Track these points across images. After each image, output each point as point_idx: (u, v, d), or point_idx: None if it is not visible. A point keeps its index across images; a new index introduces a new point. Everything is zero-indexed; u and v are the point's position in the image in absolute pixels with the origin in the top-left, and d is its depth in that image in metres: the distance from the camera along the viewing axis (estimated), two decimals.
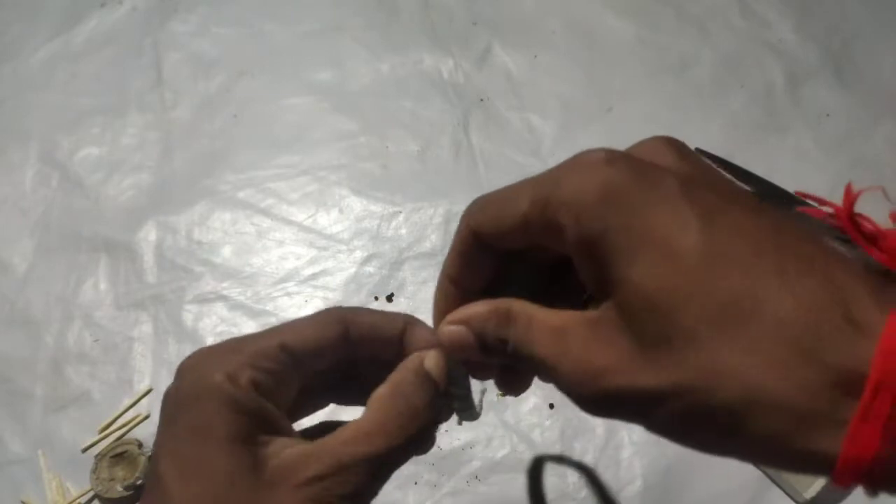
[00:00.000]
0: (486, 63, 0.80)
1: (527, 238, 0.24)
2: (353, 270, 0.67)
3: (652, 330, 0.19)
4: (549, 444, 0.59)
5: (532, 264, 0.27)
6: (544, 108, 0.77)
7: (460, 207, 0.70)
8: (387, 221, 0.70)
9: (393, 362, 0.27)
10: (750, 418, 0.18)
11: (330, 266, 0.68)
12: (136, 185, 0.72)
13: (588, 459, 0.59)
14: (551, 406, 0.61)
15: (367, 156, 0.74)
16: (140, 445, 0.58)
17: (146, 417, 0.60)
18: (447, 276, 0.27)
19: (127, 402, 0.61)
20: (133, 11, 0.83)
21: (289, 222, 0.70)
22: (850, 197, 0.20)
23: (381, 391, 0.26)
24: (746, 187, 0.71)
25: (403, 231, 0.69)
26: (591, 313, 0.22)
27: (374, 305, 0.65)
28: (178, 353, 0.63)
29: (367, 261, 0.68)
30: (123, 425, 0.60)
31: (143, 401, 0.61)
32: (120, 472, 0.57)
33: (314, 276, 0.67)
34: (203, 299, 0.66)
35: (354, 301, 0.65)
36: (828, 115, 0.77)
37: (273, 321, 0.64)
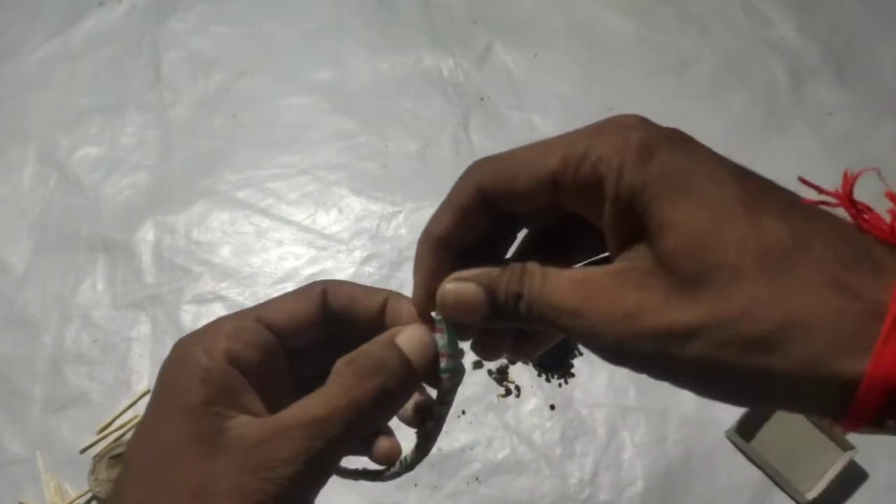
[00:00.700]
0: (486, 62, 0.80)
1: (547, 198, 0.24)
2: (352, 270, 0.67)
3: (692, 268, 0.20)
4: (550, 445, 0.59)
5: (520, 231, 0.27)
6: (545, 108, 0.77)
7: None
8: (386, 221, 0.70)
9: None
10: (789, 342, 0.19)
11: (329, 266, 0.68)
12: (135, 185, 0.72)
13: (589, 461, 0.59)
14: (552, 407, 0.61)
15: (367, 155, 0.74)
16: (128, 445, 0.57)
17: None
18: (436, 237, 0.26)
19: (125, 402, 0.61)
20: (132, 10, 0.83)
21: (288, 222, 0.70)
22: (849, 180, 0.22)
23: (340, 361, 0.25)
24: None
25: (403, 231, 0.69)
26: (614, 265, 0.23)
27: None
28: None
29: (366, 261, 0.68)
30: (122, 426, 0.59)
31: (142, 402, 0.61)
32: (118, 473, 0.57)
33: (313, 276, 0.67)
34: (202, 299, 0.65)
35: None
36: (829, 114, 0.77)
37: None
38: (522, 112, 0.76)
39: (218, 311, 0.65)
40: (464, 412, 0.60)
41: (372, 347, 0.25)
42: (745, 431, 0.59)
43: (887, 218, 0.20)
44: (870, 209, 0.21)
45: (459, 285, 0.25)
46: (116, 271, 0.67)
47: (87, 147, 0.74)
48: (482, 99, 0.77)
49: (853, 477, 0.58)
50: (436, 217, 0.26)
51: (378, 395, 0.24)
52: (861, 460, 0.58)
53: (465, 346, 0.28)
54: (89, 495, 0.57)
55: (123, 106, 0.76)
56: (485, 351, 0.28)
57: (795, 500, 0.58)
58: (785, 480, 0.57)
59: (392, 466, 0.28)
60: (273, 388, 0.26)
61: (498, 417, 0.60)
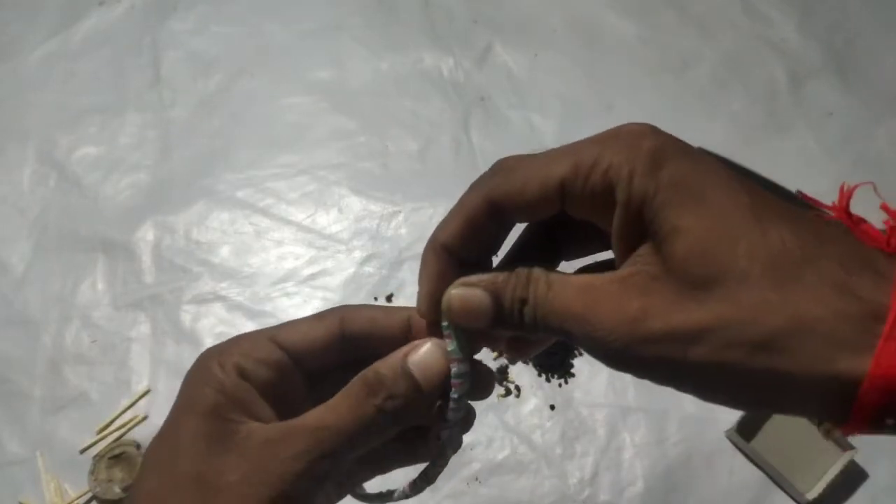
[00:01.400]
0: (486, 62, 0.80)
1: (557, 206, 0.24)
2: (352, 270, 0.67)
3: (701, 272, 0.21)
4: (550, 445, 0.59)
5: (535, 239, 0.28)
6: (545, 107, 0.77)
7: None
8: (386, 221, 0.70)
9: None
10: (794, 344, 0.20)
11: (329, 266, 0.67)
12: (135, 185, 0.72)
13: (589, 461, 0.58)
14: (552, 407, 0.61)
15: (367, 155, 0.74)
16: (138, 447, 0.57)
17: (144, 418, 0.60)
18: (444, 245, 0.26)
19: (125, 402, 0.61)
20: (131, 10, 0.83)
21: (288, 222, 0.70)
22: (846, 194, 0.23)
23: (357, 376, 0.26)
24: None
25: (403, 231, 0.69)
26: (619, 272, 0.23)
27: None
28: (176, 353, 0.63)
29: (366, 261, 0.68)
30: (121, 426, 0.59)
31: (141, 402, 0.61)
32: (118, 474, 0.56)
33: (313, 276, 0.67)
34: (201, 300, 0.65)
35: (353, 301, 0.65)
36: (830, 114, 0.77)
37: (272, 322, 0.64)
38: (522, 112, 0.76)
39: (218, 311, 0.65)
40: None
41: (382, 366, 0.26)
42: (745, 431, 0.59)
43: (882, 228, 0.21)
44: (865, 221, 0.22)
45: (465, 290, 0.25)
46: (116, 271, 0.67)
47: (86, 147, 0.74)
48: (482, 99, 0.77)
49: (853, 477, 0.58)
50: (443, 225, 0.27)
51: (382, 413, 0.25)
52: (861, 460, 0.58)
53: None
54: (89, 495, 0.57)
55: (123, 105, 0.76)
56: (514, 353, 0.29)
57: (795, 500, 0.58)
58: (785, 480, 0.57)
59: (405, 486, 0.29)
60: (289, 405, 0.27)
61: (498, 417, 0.60)
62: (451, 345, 0.26)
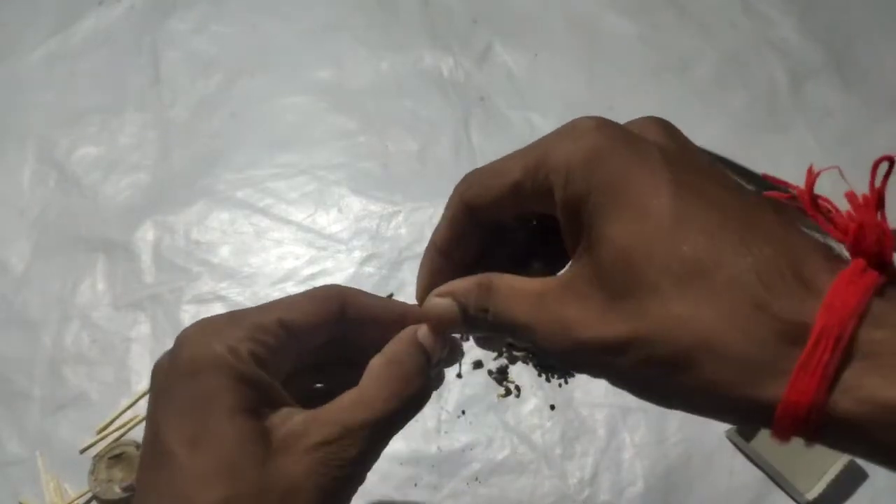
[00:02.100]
0: (486, 61, 0.80)
1: (517, 206, 0.25)
2: (352, 270, 0.67)
3: (620, 283, 0.21)
4: (550, 445, 0.59)
5: (518, 237, 0.29)
6: (545, 107, 0.77)
7: None
8: (386, 221, 0.70)
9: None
10: (698, 365, 0.19)
11: (329, 266, 0.67)
12: (134, 185, 0.72)
13: (589, 461, 0.58)
14: (552, 407, 0.61)
15: (367, 155, 0.74)
16: (138, 447, 0.57)
17: (144, 418, 0.60)
18: (436, 247, 0.29)
19: (125, 402, 0.61)
20: (131, 10, 0.83)
21: (287, 222, 0.70)
22: (811, 178, 0.22)
23: (378, 360, 0.27)
24: (748, 186, 0.71)
25: (403, 231, 0.69)
26: (566, 274, 0.24)
27: None
28: None
29: (366, 261, 0.68)
30: (121, 426, 0.59)
31: (142, 402, 0.61)
32: (118, 474, 0.56)
33: (313, 277, 0.67)
34: (201, 300, 0.65)
35: None
36: (830, 114, 0.77)
37: None
38: (523, 112, 0.76)
39: (218, 310, 0.64)
40: (464, 412, 0.60)
41: (402, 348, 0.27)
42: (745, 431, 0.59)
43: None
44: (833, 207, 0.21)
45: (438, 301, 0.27)
46: (116, 271, 0.67)
47: (86, 147, 0.74)
48: (482, 99, 0.77)
49: (853, 477, 0.58)
50: (436, 229, 0.29)
51: (419, 394, 0.27)
52: (861, 460, 0.58)
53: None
54: (89, 495, 0.57)
55: (123, 105, 0.76)
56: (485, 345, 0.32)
57: (795, 500, 0.58)
58: (785, 480, 0.57)
59: None
60: (278, 376, 0.27)
61: (498, 417, 0.60)
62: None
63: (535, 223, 0.29)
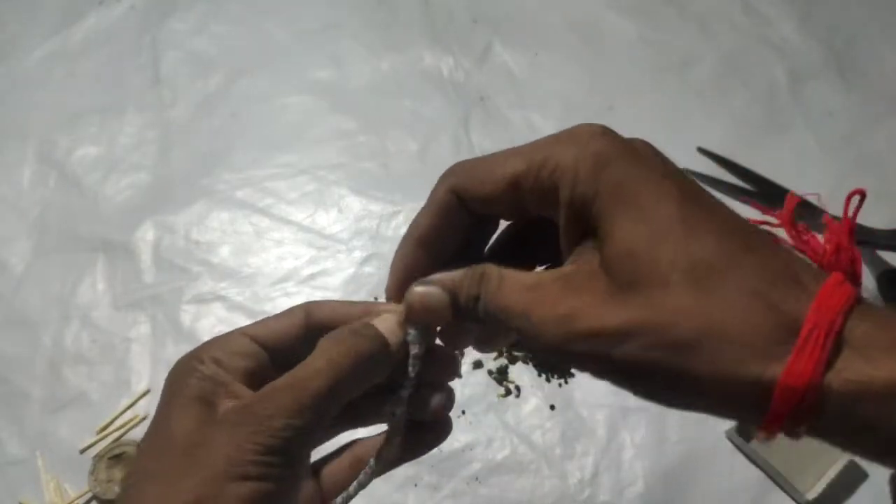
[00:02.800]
0: (486, 61, 0.80)
1: (511, 201, 0.26)
2: (352, 270, 0.67)
3: (627, 277, 0.22)
4: (550, 445, 0.59)
5: (501, 235, 0.30)
6: (545, 107, 0.77)
7: None
8: (386, 221, 0.70)
9: None
10: (705, 349, 0.21)
11: (329, 266, 0.67)
12: (134, 185, 0.72)
13: (589, 461, 0.58)
14: (552, 407, 0.61)
15: (367, 155, 0.74)
16: (138, 446, 0.57)
17: (144, 418, 0.60)
18: (415, 239, 0.29)
19: (125, 402, 0.61)
20: (131, 10, 0.83)
21: (287, 222, 0.70)
22: (790, 203, 0.24)
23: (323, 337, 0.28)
24: (748, 186, 0.71)
25: (403, 231, 0.69)
26: (563, 269, 0.25)
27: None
28: (176, 353, 0.62)
29: (366, 261, 0.68)
30: (121, 426, 0.59)
31: (141, 402, 0.61)
32: (118, 474, 0.56)
33: (313, 277, 0.67)
34: (201, 299, 0.65)
35: (353, 299, 0.65)
36: (830, 114, 0.77)
37: None
38: (523, 111, 0.76)
39: (217, 310, 0.65)
40: (464, 412, 0.60)
41: (355, 325, 0.29)
42: (745, 431, 0.59)
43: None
44: (809, 232, 0.24)
45: (425, 289, 0.28)
46: (116, 271, 0.67)
47: (86, 147, 0.74)
48: (482, 98, 0.77)
49: (853, 477, 0.58)
50: (415, 219, 0.29)
51: (352, 356, 0.27)
52: (861, 460, 0.58)
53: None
54: (89, 495, 0.57)
55: (123, 105, 0.76)
56: (451, 341, 0.31)
57: (795, 500, 0.58)
58: (785, 480, 0.57)
59: (363, 470, 0.30)
60: (244, 377, 0.29)
61: (498, 417, 0.60)
62: (411, 333, 0.29)
63: (517, 223, 0.30)
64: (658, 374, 0.22)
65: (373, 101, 0.77)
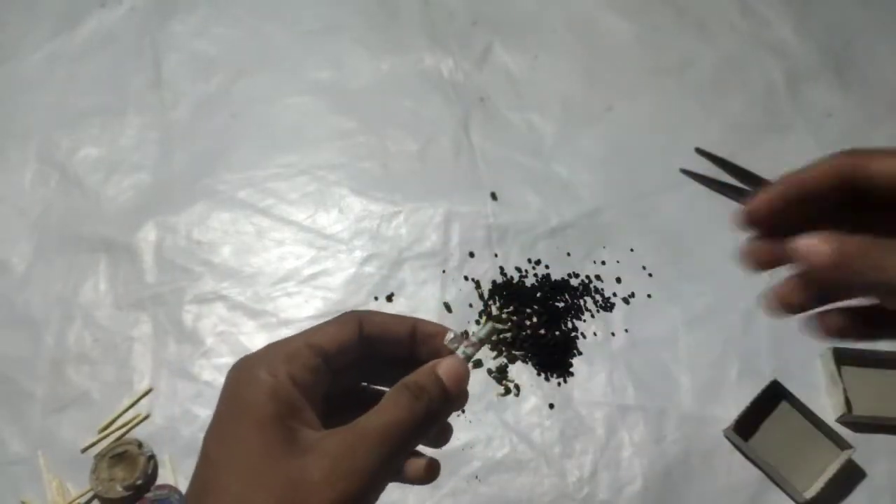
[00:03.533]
0: (486, 62, 0.80)
1: None
2: (352, 270, 0.67)
3: None
4: (549, 444, 0.59)
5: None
6: (544, 108, 0.77)
7: (460, 207, 0.70)
8: (387, 221, 0.70)
9: (406, 360, 0.32)
10: None
11: (330, 266, 0.68)
12: (136, 185, 0.72)
13: (588, 459, 0.59)
14: (551, 406, 0.61)
15: (367, 155, 0.74)
16: (140, 445, 0.58)
17: (146, 417, 0.60)
18: (794, 188, 0.30)
19: (127, 402, 0.61)
20: (132, 11, 0.83)
21: (288, 222, 0.70)
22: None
23: (396, 386, 0.30)
24: (747, 187, 0.71)
25: (403, 231, 0.69)
26: None
27: (374, 305, 0.65)
28: (178, 352, 0.63)
29: (366, 261, 0.68)
30: (123, 425, 0.60)
31: (143, 401, 0.61)
32: (120, 473, 0.57)
33: (314, 276, 0.67)
34: (203, 299, 0.66)
35: (353, 300, 0.65)
36: (829, 115, 0.77)
37: (273, 321, 0.64)
38: (522, 112, 0.77)
39: (219, 310, 0.65)
40: (463, 411, 0.60)
41: (419, 376, 0.31)
42: (743, 430, 0.59)
43: None
44: None
45: (836, 240, 0.27)
46: (118, 271, 0.67)
47: (87, 147, 0.74)
48: (482, 99, 0.77)
49: (851, 476, 0.59)
50: (790, 181, 0.30)
51: (427, 411, 0.29)
52: (859, 459, 0.59)
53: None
54: (91, 494, 0.57)
55: (124, 107, 0.76)
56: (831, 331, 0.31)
57: (793, 499, 0.58)
58: (783, 479, 0.57)
59: None
60: (316, 402, 0.30)
61: (497, 416, 0.60)
62: (474, 338, 0.33)
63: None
64: None
65: (373, 101, 0.77)
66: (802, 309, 0.31)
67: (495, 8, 0.84)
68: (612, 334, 0.64)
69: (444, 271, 0.67)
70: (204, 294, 0.66)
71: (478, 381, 0.62)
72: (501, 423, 0.60)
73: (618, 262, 0.68)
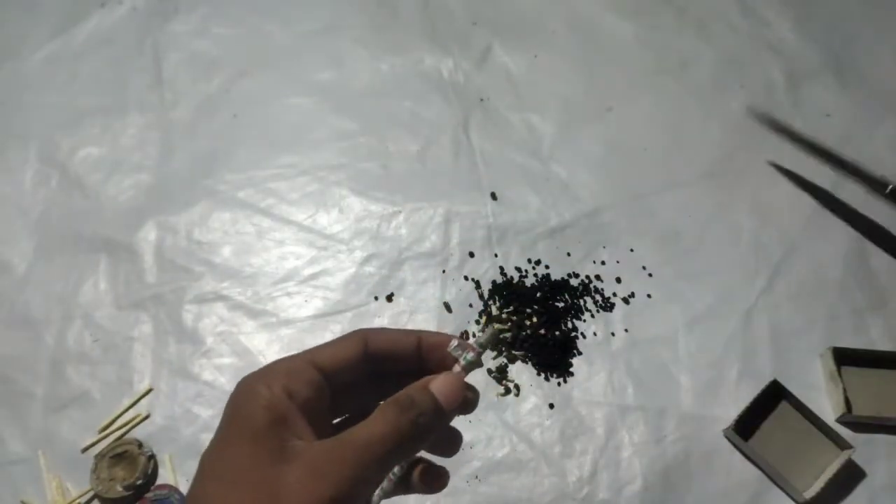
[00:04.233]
0: (486, 63, 0.80)
1: None
2: (352, 270, 0.67)
3: None
4: (549, 443, 0.59)
5: None
6: (544, 108, 0.77)
7: (460, 207, 0.71)
8: (387, 221, 0.70)
9: (415, 375, 0.33)
10: None
11: (330, 266, 0.68)
12: (136, 185, 0.72)
13: (588, 459, 0.59)
14: (551, 406, 0.61)
15: (367, 156, 0.74)
16: (140, 445, 0.58)
17: (146, 417, 0.60)
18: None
19: (127, 402, 0.61)
20: (133, 11, 0.83)
21: (289, 222, 0.70)
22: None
23: (386, 401, 0.31)
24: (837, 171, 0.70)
25: (403, 231, 0.69)
26: None
27: (374, 305, 0.65)
28: (178, 352, 0.63)
29: (366, 261, 0.68)
30: (123, 425, 0.60)
31: (143, 401, 0.61)
32: (120, 472, 0.57)
33: (314, 276, 0.67)
34: (203, 299, 0.66)
35: (354, 300, 0.65)
36: (828, 115, 0.77)
37: (273, 321, 0.64)
38: (522, 112, 0.77)
39: (219, 310, 0.65)
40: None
41: (410, 390, 0.31)
42: (743, 430, 0.59)
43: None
44: None
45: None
46: (118, 271, 0.67)
47: (88, 147, 0.74)
48: (482, 100, 0.77)
49: (851, 476, 0.59)
50: None
51: (413, 425, 0.30)
52: (859, 459, 0.59)
53: None
54: (91, 494, 0.57)
55: (125, 107, 0.77)
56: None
57: (793, 499, 0.58)
58: (783, 479, 0.57)
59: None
60: (316, 417, 0.31)
61: (497, 416, 0.61)
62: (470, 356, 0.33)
63: None
64: None
65: (373, 102, 0.77)
66: None
67: (495, 8, 0.84)
68: (612, 334, 0.64)
69: (444, 271, 0.67)
70: (204, 294, 0.66)
71: (478, 382, 0.62)
72: (501, 423, 0.60)
73: (618, 262, 0.68)
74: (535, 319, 0.64)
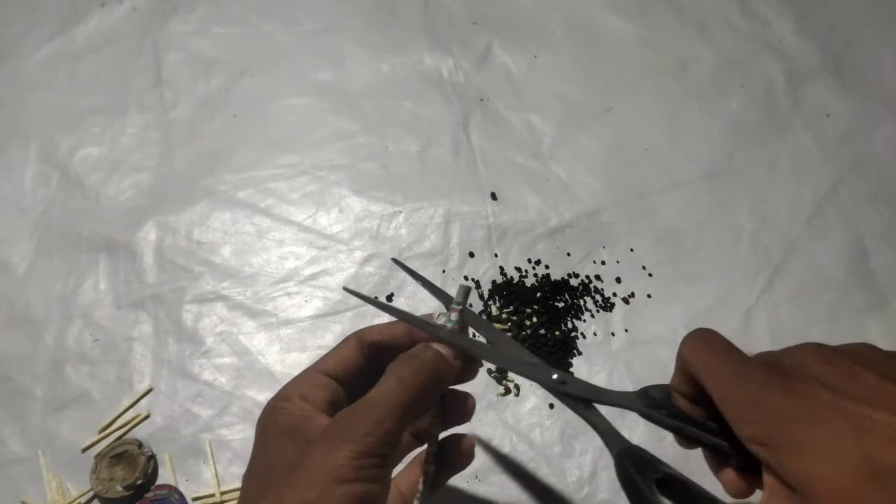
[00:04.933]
0: (486, 63, 0.80)
1: None
2: (352, 270, 0.67)
3: None
4: (549, 443, 0.59)
5: None
6: (544, 108, 0.77)
7: (460, 207, 0.71)
8: (387, 221, 0.70)
9: None
10: None
11: (330, 266, 0.68)
12: (136, 185, 0.72)
13: (588, 459, 0.59)
14: (551, 406, 0.61)
15: (367, 156, 0.74)
16: (140, 445, 0.58)
17: (146, 417, 0.60)
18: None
19: (127, 401, 0.61)
20: (133, 11, 0.83)
21: (289, 222, 0.70)
22: None
23: (393, 362, 0.34)
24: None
25: (403, 231, 0.69)
26: None
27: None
28: (178, 352, 0.63)
29: (367, 261, 0.68)
30: (123, 425, 0.60)
31: (143, 400, 0.61)
32: (120, 472, 0.57)
33: (314, 276, 0.67)
34: (203, 299, 0.66)
35: (354, 300, 0.65)
36: (828, 115, 0.77)
37: (273, 321, 0.64)
38: (522, 112, 0.77)
39: (219, 310, 0.65)
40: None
41: (413, 350, 0.35)
42: None
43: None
44: None
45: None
46: (118, 271, 0.67)
47: (88, 147, 0.74)
48: (482, 100, 0.77)
49: None
50: None
51: (418, 373, 0.33)
52: None
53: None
54: (91, 494, 0.57)
55: (125, 106, 0.77)
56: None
57: None
58: None
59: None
60: (337, 404, 0.35)
61: (497, 416, 0.61)
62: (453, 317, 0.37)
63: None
64: None
65: (373, 102, 0.77)
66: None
67: (495, 8, 0.84)
68: (612, 334, 0.65)
69: (444, 271, 0.67)
70: (204, 294, 0.66)
71: (477, 381, 0.62)
72: (501, 422, 0.60)
73: (618, 262, 0.68)
74: (535, 319, 0.64)
